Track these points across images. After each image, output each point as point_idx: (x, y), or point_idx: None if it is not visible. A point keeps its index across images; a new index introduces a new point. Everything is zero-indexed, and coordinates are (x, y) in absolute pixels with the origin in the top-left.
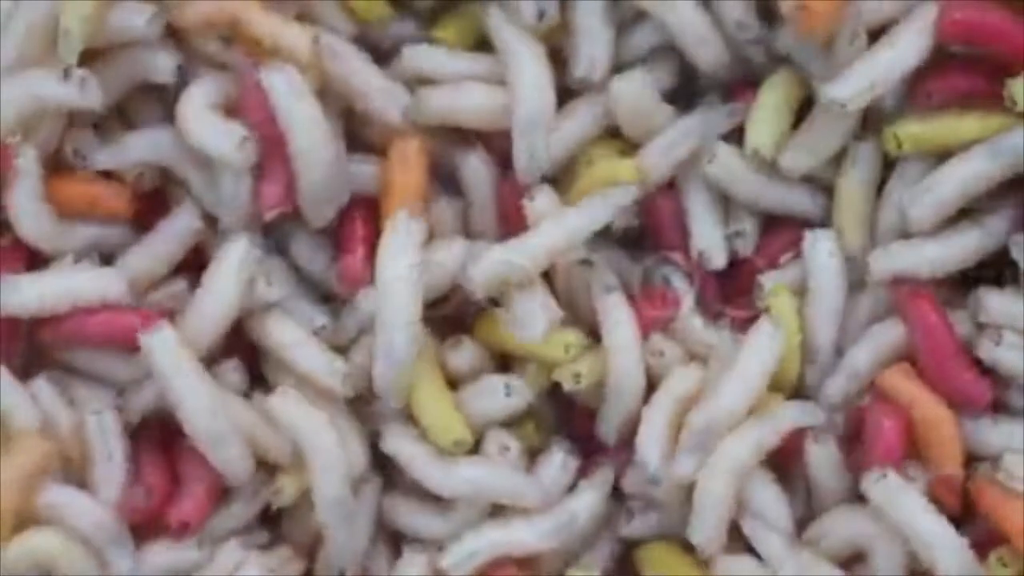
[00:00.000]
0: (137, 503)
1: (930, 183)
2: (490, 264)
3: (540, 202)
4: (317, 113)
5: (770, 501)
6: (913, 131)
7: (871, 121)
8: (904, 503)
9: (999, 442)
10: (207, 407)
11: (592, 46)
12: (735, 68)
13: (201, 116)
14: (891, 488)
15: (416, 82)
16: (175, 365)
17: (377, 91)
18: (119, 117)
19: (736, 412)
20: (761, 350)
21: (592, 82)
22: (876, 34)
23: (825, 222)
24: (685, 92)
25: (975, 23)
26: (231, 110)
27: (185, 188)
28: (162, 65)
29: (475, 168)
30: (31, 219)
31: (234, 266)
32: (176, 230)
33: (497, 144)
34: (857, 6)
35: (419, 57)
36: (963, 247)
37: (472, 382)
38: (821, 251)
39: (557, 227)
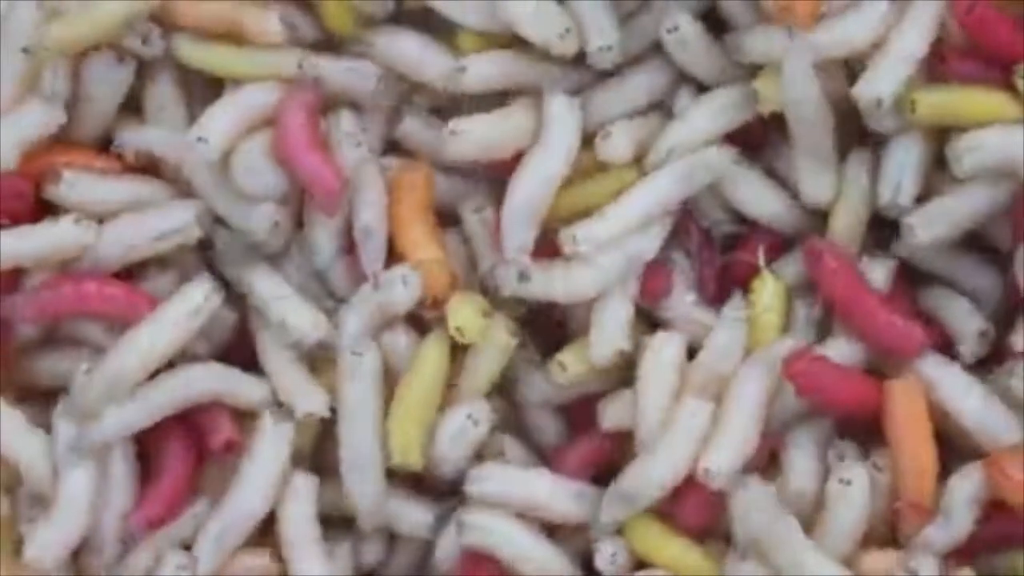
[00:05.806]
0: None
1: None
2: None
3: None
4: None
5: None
6: (931, 99)
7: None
8: None
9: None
10: (261, 504)
11: (601, 36)
12: (725, 72)
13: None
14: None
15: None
16: (273, 459)
17: (347, 72)
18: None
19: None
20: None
21: (605, 67)
22: None
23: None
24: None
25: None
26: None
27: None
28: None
29: (476, 216)
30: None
31: (189, 309)
32: (165, 223)
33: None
34: None
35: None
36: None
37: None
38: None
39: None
